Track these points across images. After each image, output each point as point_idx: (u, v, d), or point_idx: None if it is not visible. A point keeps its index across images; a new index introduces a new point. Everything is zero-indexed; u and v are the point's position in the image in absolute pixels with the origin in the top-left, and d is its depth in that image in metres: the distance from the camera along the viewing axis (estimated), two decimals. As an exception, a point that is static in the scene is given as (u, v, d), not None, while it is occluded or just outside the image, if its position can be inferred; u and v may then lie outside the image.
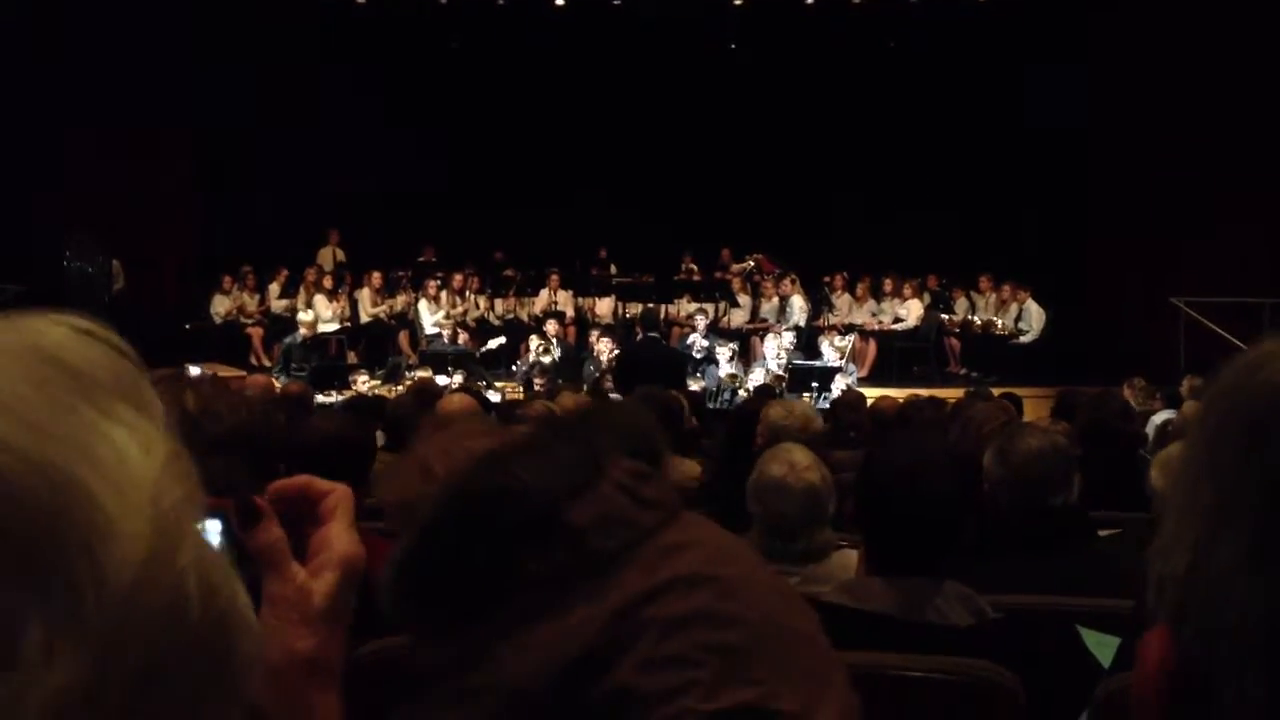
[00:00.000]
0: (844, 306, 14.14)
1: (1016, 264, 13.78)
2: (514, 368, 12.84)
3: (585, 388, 10.13)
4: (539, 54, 15.28)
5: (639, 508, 0.90)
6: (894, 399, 7.95)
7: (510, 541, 0.86)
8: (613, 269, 14.75)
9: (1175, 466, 3.01)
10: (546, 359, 12.38)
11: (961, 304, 14.10)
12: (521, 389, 11.45)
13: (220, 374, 9.19)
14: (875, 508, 2.29)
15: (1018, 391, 8.36)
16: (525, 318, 14.19)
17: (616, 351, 11.48)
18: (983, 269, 14.06)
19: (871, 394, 9.01)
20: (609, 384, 10.01)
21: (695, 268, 14.83)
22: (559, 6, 15.10)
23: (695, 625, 0.83)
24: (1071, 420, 5.25)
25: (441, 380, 10.97)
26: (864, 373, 12.97)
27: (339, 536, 0.82)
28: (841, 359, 12.34)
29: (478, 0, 15.15)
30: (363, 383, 11.32)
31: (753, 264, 14.57)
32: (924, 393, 8.89)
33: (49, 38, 12.20)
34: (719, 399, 11.48)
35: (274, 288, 14.13)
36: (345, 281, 14.14)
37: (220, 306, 13.87)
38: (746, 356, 12.98)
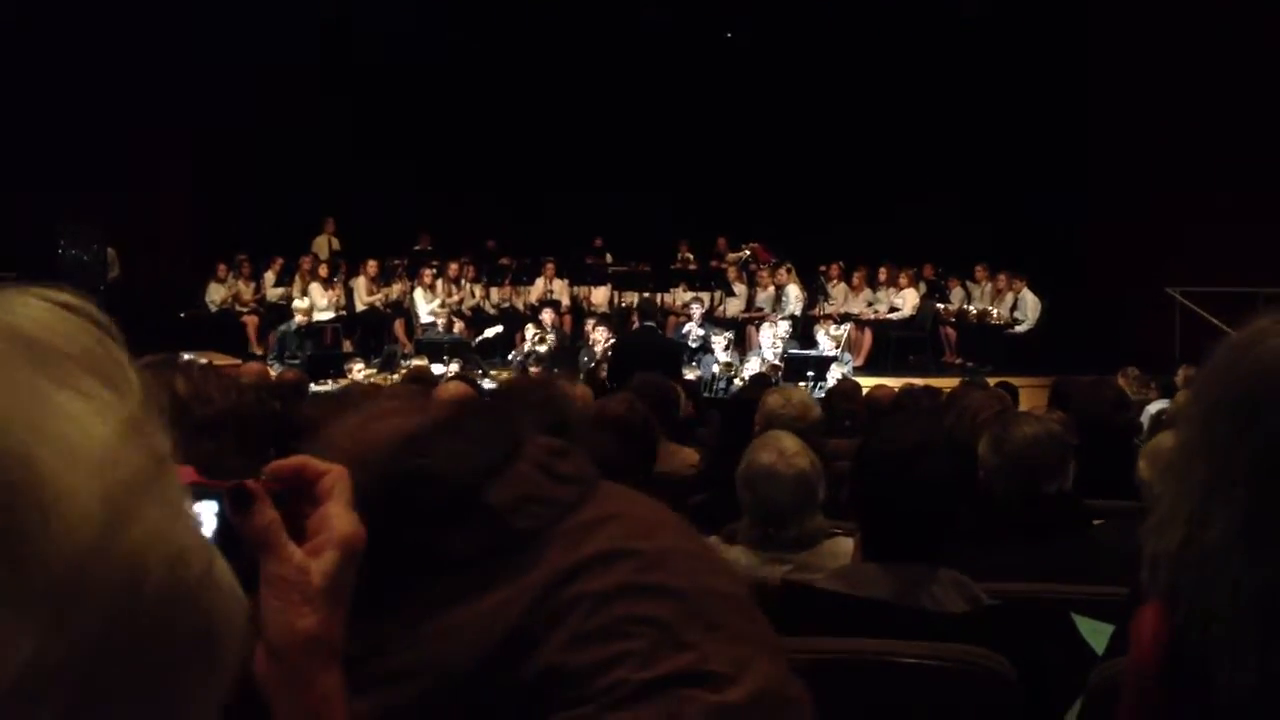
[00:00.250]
0: (840, 296, 14.14)
1: (1012, 253, 13.77)
2: (509, 357, 12.83)
3: (581, 376, 10.12)
4: (535, 42, 15.26)
5: (557, 484, 0.91)
6: (889, 388, 7.96)
7: (431, 523, 0.87)
8: (608, 258, 14.73)
9: (1168, 448, 3.03)
10: (542, 348, 12.38)
11: (957, 293, 14.11)
12: (517, 378, 11.44)
13: (215, 362, 9.17)
14: (871, 494, 2.29)
15: (1013, 381, 8.37)
16: (521, 306, 14.19)
17: (612, 340, 11.47)
18: (978, 258, 14.06)
19: (867, 383, 9.02)
20: (604, 373, 10.01)
21: (691, 257, 14.82)
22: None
23: (622, 599, 0.84)
24: (1067, 409, 5.26)
25: (437, 369, 10.97)
26: (859, 362, 12.98)
27: (338, 516, 0.82)
28: (837, 348, 12.35)
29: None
30: (358, 371, 11.30)
31: (749, 253, 14.56)
32: (919, 382, 8.90)
33: (48, 35, 12.15)
34: (714, 388, 11.49)
35: (269, 276, 14.11)
36: (341, 270, 14.12)
37: (215, 295, 13.85)
38: (742, 345, 12.99)
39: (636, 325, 10.07)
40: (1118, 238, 13.13)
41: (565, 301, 14.07)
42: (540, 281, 14.22)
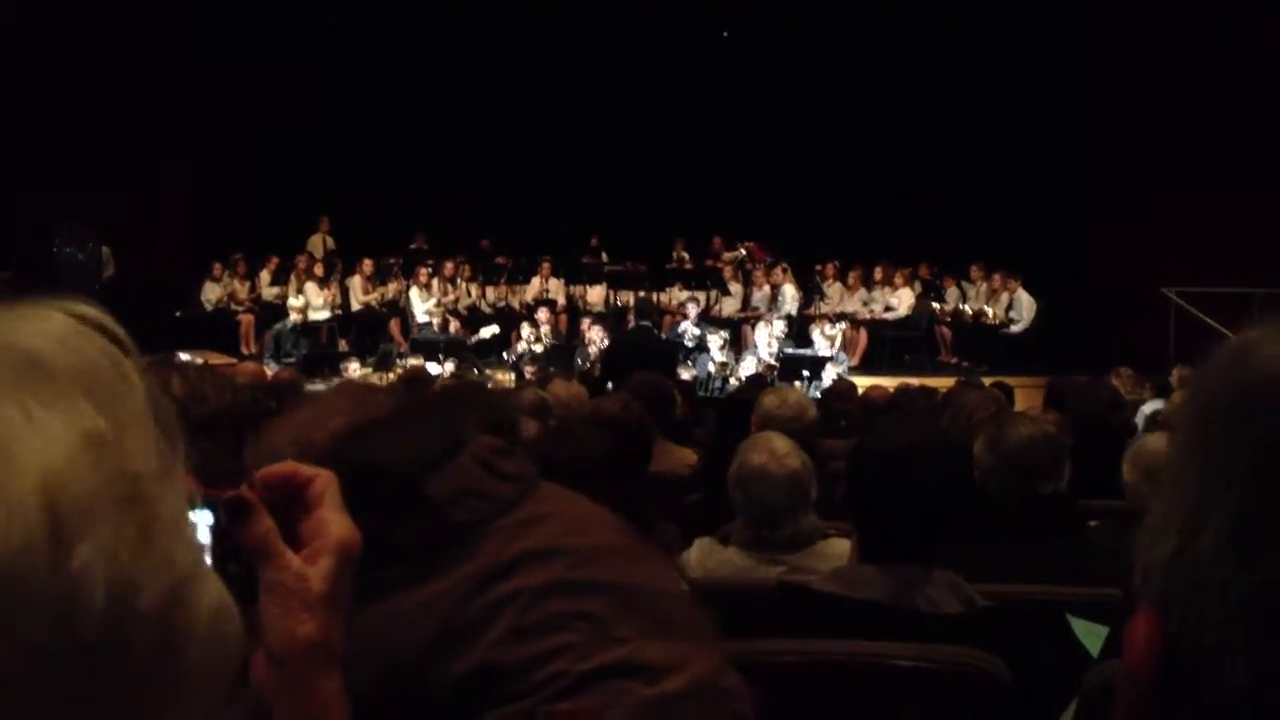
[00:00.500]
0: (835, 295, 14.16)
1: (1009, 253, 13.79)
2: (505, 356, 12.83)
3: (576, 376, 10.12)
4: (532, 42, 15.26)
5: (497, 481, 0.93)
6: (885, 388, 7.96)
7: (374, 513, 0.88)
8: (604, 257, 14.73)
9: (1152, 450, 3.03)
10: (538, 347, 12.38)
11: (952, 293, 14.12)
12: (513, 377, 11.45)
13: (211, 361, 9.17)
14: (866, 493, 2.29)
15: (1008, 380, 8.36)
16: (516, 305, 14.19)
17: (607, 340, 11.48)
18: (976, 258, 14.07)
19: (863, 383, 9.02)
20: (599, 372, 10.01)
21: (687, 256, 14.83)
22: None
23: (557, 594, 0.85)
24: (1062, 409, 5.26)
25: (433, 368, 10.97)
26: (855, 361, 12.99)
27: (332, 521, 0.82)
28: (832, 348, 12.36)
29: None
30: (354, 370, 11.29)
31: (744, 252, 14.57)
32: (915, 381, 8.90)
33: (47, 34, 12.13)
34: (710, 387, 11.49)
35: (265, 275, 14.10)
36: (337, 269, 14.11)
37: (211, 294, 13.84)
38: (738, 345, 13.00)
39: (633, 324, 10.07)
40: (1114, 238, 13.15)
41: (561, 301, 14.07)
42: (536, 281, 14.22)
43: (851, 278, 14.19)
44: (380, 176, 14.63)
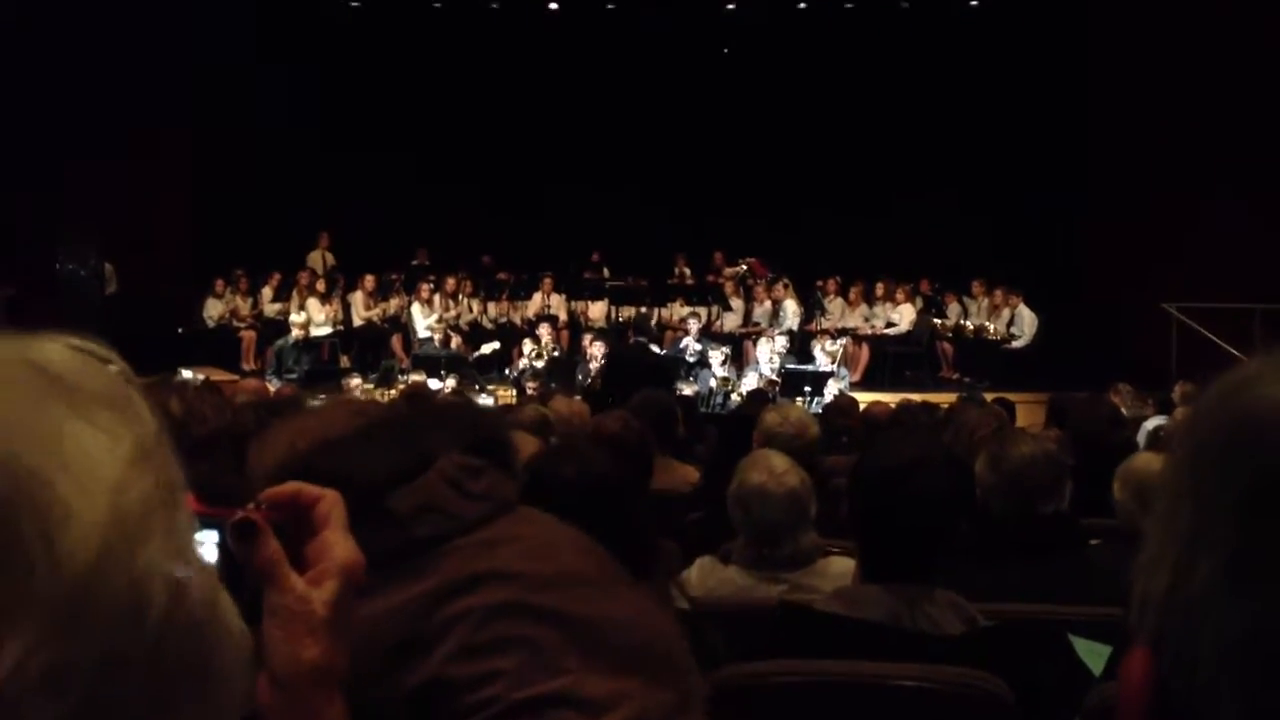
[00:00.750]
0: (836, 311, 14.16)
1: (1010, 265, 13.80)
2: (506, 372, 12.83)
3: (578, 392, 10.12)
4: (533, 58, 15.31)
5: (463, 500, 0.94)
6: (886, 404, 7.96)
7: None
8: (606, 273, 14.74)
9: (1141, 469, 3.03)
10: (539, 363, 12.38)
11: (954, 309, 14.12)
12: (514, 393, 11.44)
13: (213, 378, 9.17)
14: (867, 509, 2.29)
15: (1010, 396, 8.37)
16: (518, 321, 14.19)
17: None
18: (976, 268, 14.08)
19: (864, 398, 9.03)
20: (598, 388, 10.00)
21: (688, 271, 14.84)
22: (553, 10, 15.13)
23: (506, 617, 0.86)
24: (1064, 426, 5.26)
25: (434, 384, 10.97)
26: (856, 377, 12.99)
27: (337, 544, 0.83)
28: (833, 363, 12.36)
29: (471, 4, 15.16)
30: (355, 386, 11.30)
31: (745, 268, 14.58)
32: (917, 397, 8.90)
33: (46, 40, 12.17)
34: (711, 403, 11.49)
35: (267, 291, 14.11)
36: (338, 285, 14.13)
37: (213, 310, 13.85)
38: (739, 361, 12.99)
39: (631, 340, 10.06)
40: (1115, 252, 13.16)
41: (563, 316, 14.07)
42: (537, 296, 14.22)
43: (853, 293, 14.19)
44: (381, 192, 14.67)
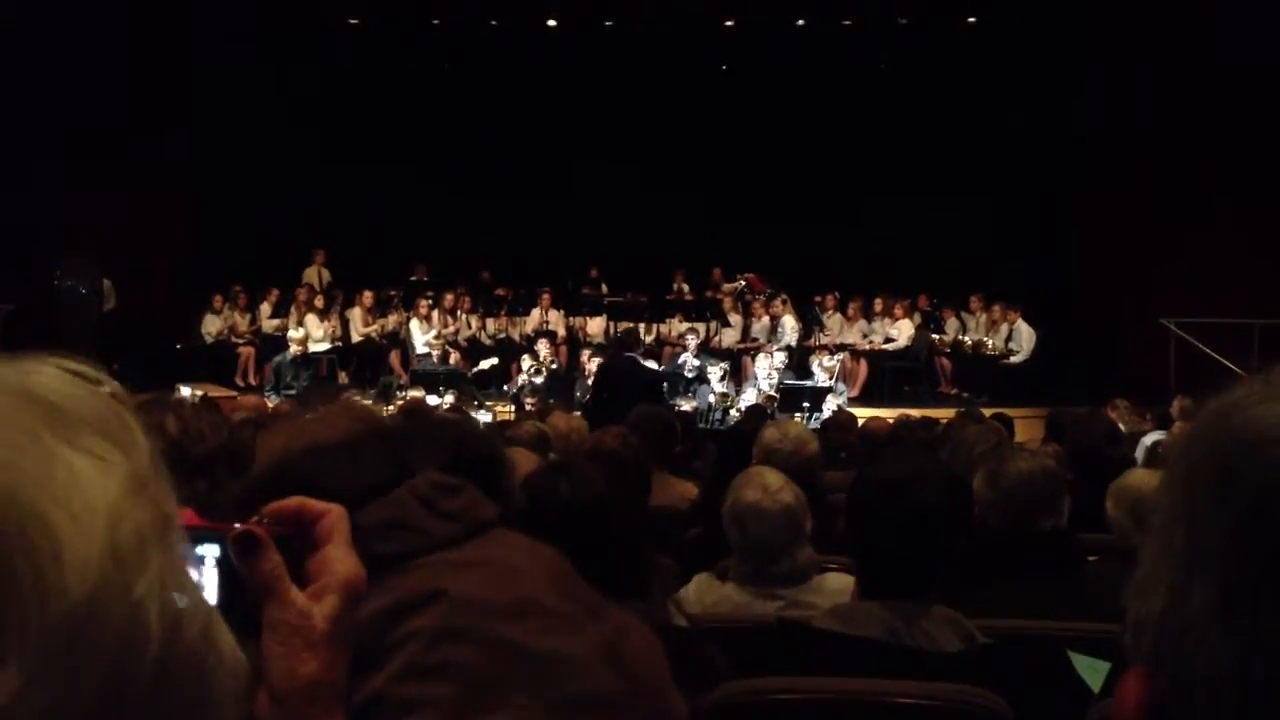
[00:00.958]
0: (835, 326, 14.16)
1: (1008, 284, 13.81)
2: (505, 388, 12.83)
3: (577, 407, 10.12)
4: (531, 74, 15.35)
5: (433, 518, 0.93)
6: (885, 420, 7.95)
7: None
8: (604, 288, 14.76)
9: (1134, 485, 3.03)
10: (538, 379, 12.37)
11: (952, 324, 14.13)
12: (513, 409, 11.44)
13: (211, 394, 9.17)
14: (863, 525, 2.28)
15: (1008, 412, 8.36)
16: (517, 337, 14.19)
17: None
18: (974, 289, 14.09)
19: (863, 414, 9.02)
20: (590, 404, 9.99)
21: (687, 287, 14.85)
22: (552, 28, 15.18)
23: (455, 642, 0.85)
24: (1062, 441, 5.26)
25: (433, 400, 10.96)
26: (855, 392, 12.99)
27: (339, 559, 0.83)
28: (831, 379, 12.36)
29: (472, 22, 15.21)
30: (354, 402, 11.27)
31: (744, 283, 14.59)
32: (915, 413, 8.89)
33: (45, 45, 12.22)
34: (710, 419, 11.49)
35: (265, 307, 14.12)
36: (337, 301, 14.13)
37: (212, 326, 13.85)
38: (738, 376, 12.99)
39: (619, 355, 10.04)
40: (1113, 267, 13.17)
41: (561, 332, 14.08)
42: (536, 312, 14.23)
43: (851, 309, 14.20)
44: (380, 208, 14.71)
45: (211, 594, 0.78)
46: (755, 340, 13.81)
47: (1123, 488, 3.16)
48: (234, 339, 13.79)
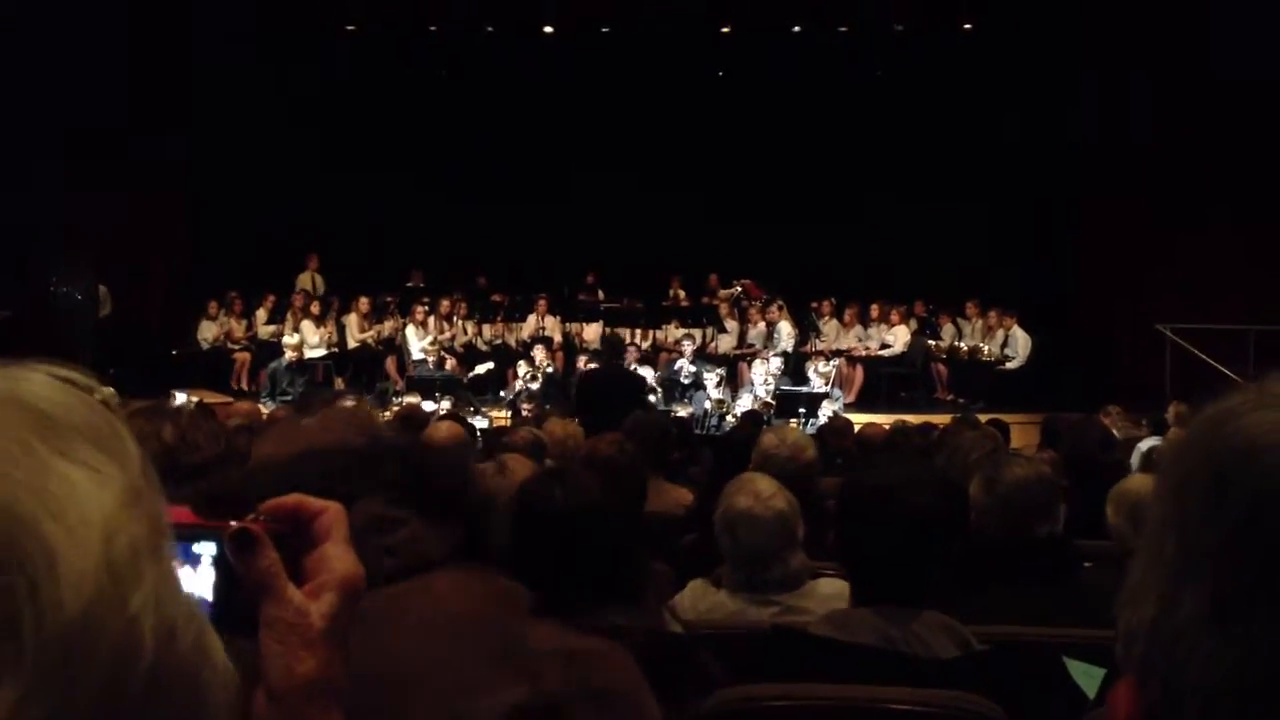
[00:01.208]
0: (831, 332, 14.17)
1: (1003, 290, 13.83)
2: (501, 394, 12.82)
3: (574, 414, 10.10)
4: (528, 81, 15.37)
5: (367, 552, 0.91)
6: (881, 425, 7.95)
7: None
8: (600, 294, 14.76)
9: (1132, 490, 3.02)
10: (534, 385, 12.37)
11: (948, 330, 14.15)
12: (509, 415, 11.43)
13: (207, 400, 9.16)
14: (855, 531, 2.28)
15: (1004, 418, 8.37)
16: (513, 343, 14.19)
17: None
18: (970, 295, 14.11)
19: (859, 420, 9.02)
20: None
21: (683, 293, 14.86)
22: (549, 34, 15.19)
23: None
24: (1058, 447, 5.26)
25: (429, 406, 10.95)
26: (851, 398, 12.99)
27: (337, 557, 0.82)
28: (827, 384, 12.36)
29: (468, 29, 15.22)
30: (350, 409, 11.25)
31: (740, 289, 14.59)
32: (911, 418, 8.90)
33: (44, 49, 12.22)
34: (706, 425, 11.49)
35: (261, 313, 14.11)
36: (333, 307, 14.12)
37: (207, 332, 13.84)
38: (734, 382, 13.00)
39: (602, 359, 10.02)
40: (1109, 274, 13.19)
41: (557, 338, 14.07)
42: (532, 318, 14.23)
43: (847, 314, 14.21)
44: (376, 214, 14.71)
45: (208, 592, 0.77)
46: (751, 346, 13.82)
47: (1123, 493, 3.16)
48: (230, 345, 13.78)
